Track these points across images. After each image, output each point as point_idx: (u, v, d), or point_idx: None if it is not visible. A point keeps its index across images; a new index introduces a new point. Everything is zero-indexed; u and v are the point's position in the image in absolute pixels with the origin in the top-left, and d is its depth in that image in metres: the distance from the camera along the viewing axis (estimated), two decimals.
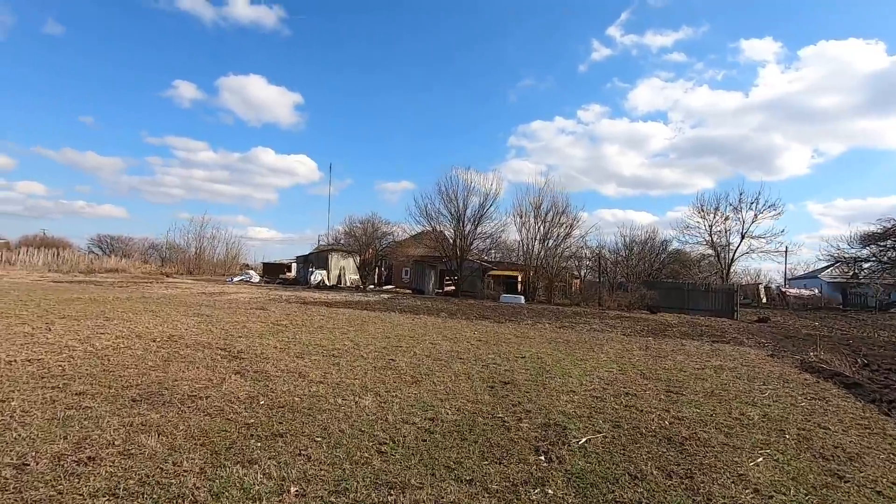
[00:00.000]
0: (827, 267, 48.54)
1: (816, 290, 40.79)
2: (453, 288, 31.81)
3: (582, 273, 37.04)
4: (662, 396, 6.04)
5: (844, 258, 35.83)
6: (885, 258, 33.28)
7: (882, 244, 33.12)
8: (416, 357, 7.93)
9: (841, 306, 34.33)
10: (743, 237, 33.67)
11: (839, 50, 78.22)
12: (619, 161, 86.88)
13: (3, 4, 74.61)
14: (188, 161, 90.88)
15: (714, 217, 33.97)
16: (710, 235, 33.62)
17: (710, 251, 34.83)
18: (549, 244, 28.19)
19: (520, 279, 38.21)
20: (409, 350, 8.60)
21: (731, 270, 34.59)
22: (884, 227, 33.16)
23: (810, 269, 50.04)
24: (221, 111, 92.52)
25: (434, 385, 6.06)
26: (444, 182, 29.91)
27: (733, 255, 33.91)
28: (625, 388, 6.43)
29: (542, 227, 28.49)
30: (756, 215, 33.15)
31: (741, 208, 33.54)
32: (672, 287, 25.93)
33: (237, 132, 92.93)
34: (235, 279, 38.56)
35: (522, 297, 26.30)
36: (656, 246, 34.93)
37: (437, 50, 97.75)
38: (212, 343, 8.18)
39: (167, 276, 38.95)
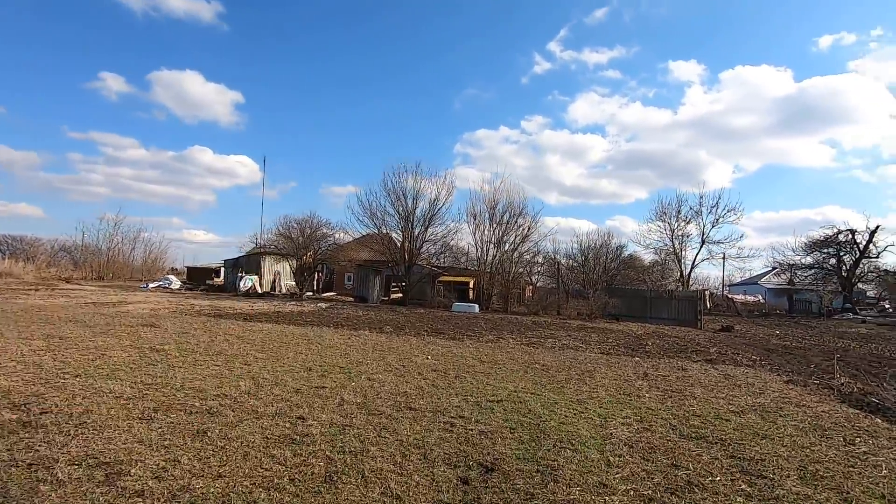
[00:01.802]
0: (765, 274, 50.03)
1: (760, 297, 41.47)
2: (400, 295, 29.05)
3: (534, 280, 35.44)
4: (743, 486, 3.69)
5: (788, 264, 36.33)
6: (827, 265, 33.95)
7: (824, 251, 33.75)
8: (342, 410, 5.21)
9: (787, 312, 34.66)
10: (703, 242, 33.16)
11: (753, 74, 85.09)
12: (560, 171, 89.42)
13: None
14: (115, 159, 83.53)
15: (676, 222, 33.24)
16: (672, 240, 32.85)
17: (666, 257, 34.16)
18: (506, 248, 26.11)
19: (471, 286, 36.00)
20: (333, 395, 5.85)
21: (683, 276, 34.05)
22: (825, 234, 33.85)
23: (748, 277, 51.46)
24: (154, 107, 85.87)
25: (364, 481, 3.40)
26: (392, 179, 27.17)
27: (693, 261, 33.35)
28: (672, 462, 4.06)
29: (497, 230, 26.36)
30: (717, 219, 32.68)
31: (701, 212, 33.00)
32: (633, 295, 24.53)
33: (171, 130, 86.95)
34: (152, 285, 33.84)
35: (476, 306, 23.99)
36: (611, 251, 33.83)
37: (384, 55, 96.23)
38: (11, 390, 5.07)
39: (67, 282, 33.50)
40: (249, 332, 11.22)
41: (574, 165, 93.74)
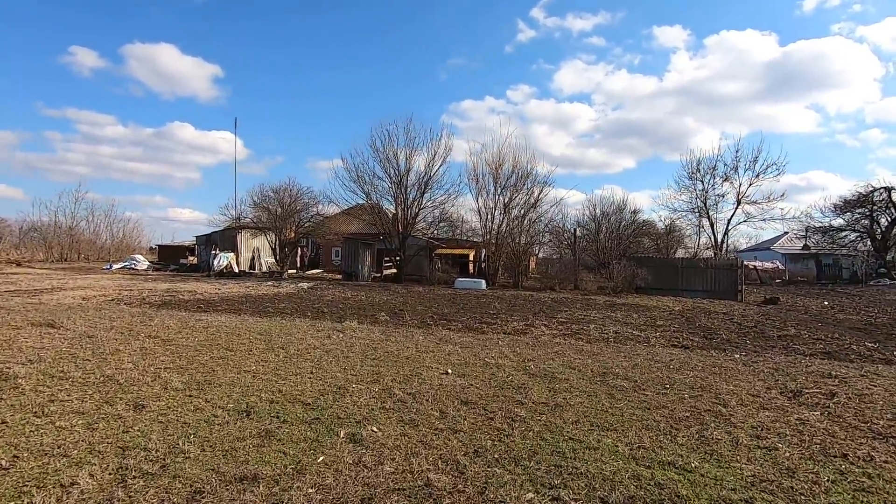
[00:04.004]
0: (777, 238, 47.32)
1: (778, 263, 38.90)
2: (395, 271, 25.81)
3: (536, 251, 32.24)
4: None
5: (820, 228, 33.36)
6: (859, 226, 31.12)
7: (857, 211, 30.82)
8: None
9: (816, 279, 31.98)
10: (738, 203, 29.51)
11: (738, 39, 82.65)
12: (547, 141, 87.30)
13: None
14: (93, 136, 79.47)
15: (712, 180, 29.58)
16: (704, 202, 29.40)
17: (682, 222, 30.97)
18: (514, 214, 22.78)
19: (471, 258, 32.84)
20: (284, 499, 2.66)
21: (716, 241, 30.44)
22: (857, 193, 30.90)
23: (757, 242, 48.71)
24: (129, 82, 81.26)
25: None
26: (381, 138, 23.47)
27: (728, 224, 29.92)
28: None
29: (503, 195, 22.99)
30: (756, 175, 28.84)
31: (738, 168, 29.28)
32: (662, 265, 21.50)
33: (149, 105, 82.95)
34: (116, 266, 30.29)
35: (483, 281, 20.83)
36: (625, 217, 30.67)
37: (368, 25, 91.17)
38: None
39: (18, 265, 29.80)
40: (187, 332, 7.95)
41: (562, 135, 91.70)
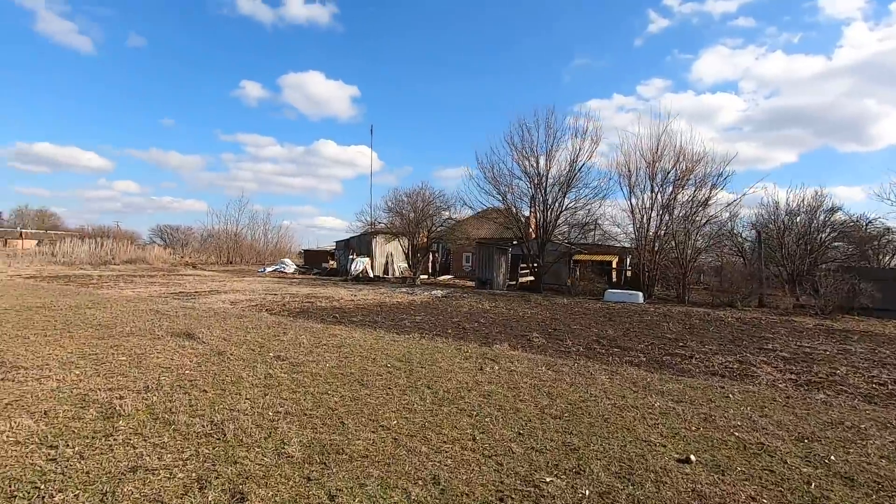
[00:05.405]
0: None
1: None
2: (531, 279, 23.63)
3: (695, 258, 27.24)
4: None
5: None
6: None
7: None
8: None
9: None
10: None
11: None
12: (687, 137, 75.95)
13: (92, 22, 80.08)
14: (257, 156, 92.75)
15: None
16: None
17: None
18: (677, 214, 19.09)
19: (614, 265, 29.24)
20: None
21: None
22: None
23: None
24: (285, 107, 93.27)
25: None
26: (518, 133, 21.51)
27: None
28: None
29: (663, 192, 19.44)
30: None
31: None
32: (893, 277, 16.16)
33: (300, 127, 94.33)
34: (268, 269, 32.89)
35: (640, 294, 17.65)
36: (817, 218, 24.47)
37: (489, 36, 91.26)
38: None
39: (193, 267, 33.86)
40: (318, 353, 6.79)
41: (703, 129, 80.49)
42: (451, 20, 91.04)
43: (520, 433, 3.99)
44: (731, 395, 5.43)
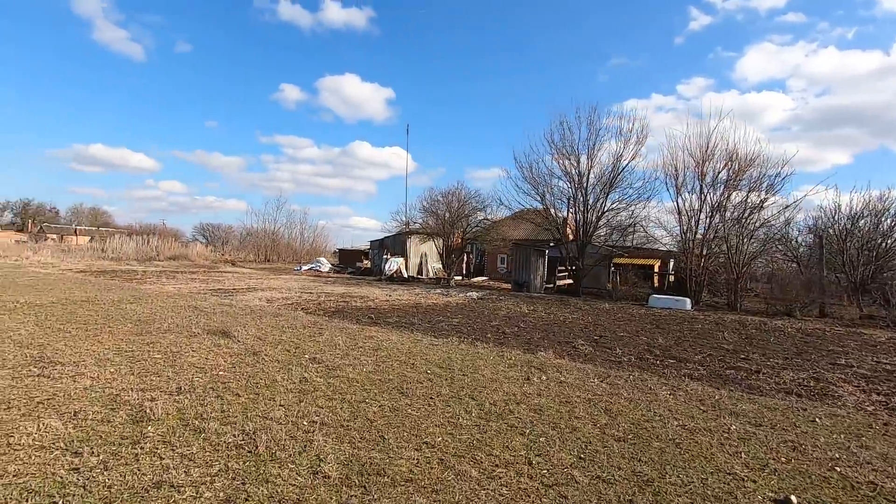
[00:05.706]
0: None
1: None
2: (570, 282, 22.87)
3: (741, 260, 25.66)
4: None
5: None
6: None
7: None
8: None
9: None
10: None
11: None
12: (731, 138, 72.54)
13: (143, 31, 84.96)
14: (295, 157, 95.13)
15: None
16: None
17: None
18: (728, 216, 17.96)
19: (656, 269, 28.01)
20: None
21: None
22: None
23: None
24: (322, 110, 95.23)
25: None
26: (559, 132, 20.82)
27: None
28: None
29: (713, 192, 18.34)
30: None
31: None
32: None
33: (337, 129, 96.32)
34: (304, 268, 33.25)
35: (687, 300, 16.69)
36: (883, 223, 22.61)
37: (523, 36, 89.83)
38: None
39: (233, 265, 34.62)
40: (355, 355, 6.48)
41: (748, 130, 76.60)
42: (484, 21, 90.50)
43: (580, 457, 3.53)
44: (817, 420, 4.77)
